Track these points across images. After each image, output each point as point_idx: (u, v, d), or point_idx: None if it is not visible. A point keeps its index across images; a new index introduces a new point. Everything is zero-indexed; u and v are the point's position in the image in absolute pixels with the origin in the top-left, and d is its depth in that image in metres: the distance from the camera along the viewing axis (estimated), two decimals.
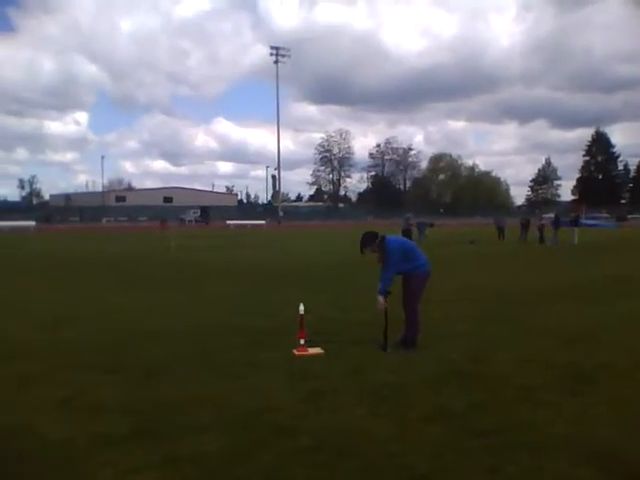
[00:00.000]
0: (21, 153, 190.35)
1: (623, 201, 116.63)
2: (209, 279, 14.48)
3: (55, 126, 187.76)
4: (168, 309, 9.89)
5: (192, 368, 6.12)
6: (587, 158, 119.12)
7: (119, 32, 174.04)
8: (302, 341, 6.68)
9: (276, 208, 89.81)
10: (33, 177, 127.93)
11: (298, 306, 6.76)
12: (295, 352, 6.62)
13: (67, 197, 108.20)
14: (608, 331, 7.94)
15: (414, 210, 41.74)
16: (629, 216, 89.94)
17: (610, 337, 7.56)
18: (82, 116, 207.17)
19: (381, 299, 6.72)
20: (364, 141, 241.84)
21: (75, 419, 4.62)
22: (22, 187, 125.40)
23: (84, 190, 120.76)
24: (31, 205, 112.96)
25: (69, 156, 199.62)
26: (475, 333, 7.80)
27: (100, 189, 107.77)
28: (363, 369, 6.01)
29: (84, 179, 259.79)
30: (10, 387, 5.52)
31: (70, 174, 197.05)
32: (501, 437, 4.19)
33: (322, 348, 6.77)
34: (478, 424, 4.44)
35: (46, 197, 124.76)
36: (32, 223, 60.85)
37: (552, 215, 34.65)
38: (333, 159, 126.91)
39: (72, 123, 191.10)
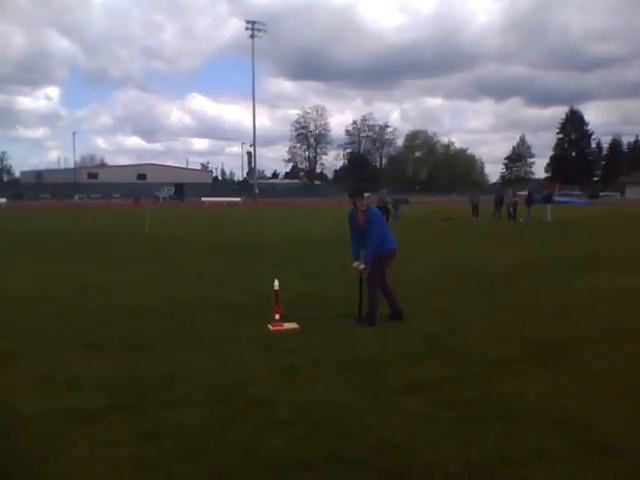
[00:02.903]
0: None
1: (596, 179, 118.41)
2: (185, 256, 14.37)
3: (26, 101, 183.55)
4: (144, 286, 9.81)
5: (169, 343, 6.10)
6: (561, 136, 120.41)
7: (92, 5, 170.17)
8: (277, 316, 6.70)
9: (252, 185, 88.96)
10: (3, 153, 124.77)
11: (273, 282, 6.76)
12: (270, 327, 6.63)
13: (38, 174, 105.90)
14: (579, 305, 8.12)
15: (390, 187, 41.81)
16: (601, 193, 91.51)
17: (581, 311, 7.73)
18: (54, 91, 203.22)
19: (356, 264, 6.89)
20: (341, 118, 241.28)
21: (52, 394, 4.58)
22: None
23: (56, 167, 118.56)
24: (1, 182, 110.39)
25: (40, 132, 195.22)
26: (450, 308, 7.91)
27: (72, 166, 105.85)
28: (339, 343, 6.06)
29: (56, 155, 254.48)
30: None
31: (41, 150, 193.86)
32: (476, 408, 4.27)
33: (298, 323, 6.79)
34: (453, 396, 4.51)
35: (17, 174, 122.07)
36: (3, 200, 59.68)
37: (526, 192, 35.10)
38: (309, 136, 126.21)
39: (43, 98, 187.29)
